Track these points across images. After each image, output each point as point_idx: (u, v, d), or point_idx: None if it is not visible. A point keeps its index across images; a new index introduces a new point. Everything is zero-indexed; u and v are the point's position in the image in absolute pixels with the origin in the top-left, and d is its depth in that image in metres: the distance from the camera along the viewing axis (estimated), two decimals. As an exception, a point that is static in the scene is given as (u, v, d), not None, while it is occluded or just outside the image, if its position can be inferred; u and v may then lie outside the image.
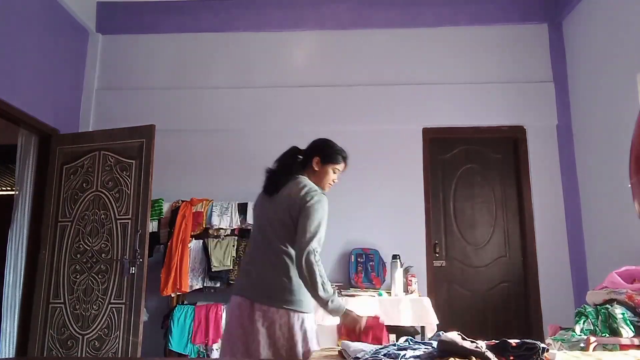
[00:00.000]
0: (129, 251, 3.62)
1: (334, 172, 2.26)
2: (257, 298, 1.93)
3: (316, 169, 2.21)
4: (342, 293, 3.63)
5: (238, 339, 1.92)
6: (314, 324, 2.01)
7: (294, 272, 1.94)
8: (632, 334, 1.95)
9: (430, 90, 4.38)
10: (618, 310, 2.04)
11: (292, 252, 1.98)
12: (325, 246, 4.39)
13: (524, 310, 4.08)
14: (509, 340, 1.34)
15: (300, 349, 1.88)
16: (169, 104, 4.47)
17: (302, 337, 1.90)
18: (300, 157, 2.29)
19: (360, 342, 1.77)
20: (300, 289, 1.93)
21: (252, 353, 1.87)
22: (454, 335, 1.36)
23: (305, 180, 2.13)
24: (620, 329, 1.98)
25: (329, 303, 1.85)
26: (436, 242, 4.24)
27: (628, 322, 2.01)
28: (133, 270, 3.56)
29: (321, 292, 1.84)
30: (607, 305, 2.10)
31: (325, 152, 2.26)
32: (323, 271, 1.90)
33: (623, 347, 1.88)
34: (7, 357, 3.59)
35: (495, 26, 4.48)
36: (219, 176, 4.34)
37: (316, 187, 2.10)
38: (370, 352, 1.52)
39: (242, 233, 4.05)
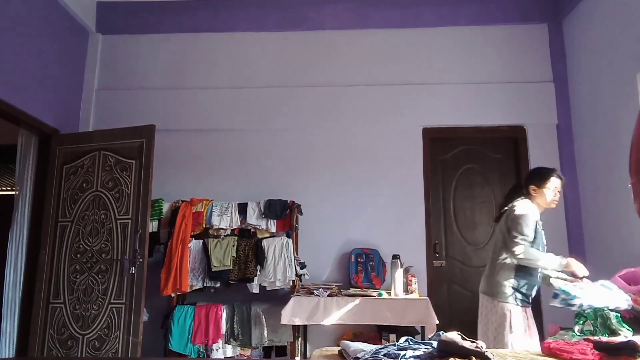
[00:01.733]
0: (129, 251, 3.62)
1: (552, 191, 2.75)
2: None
3: (534, 194, 2.76)
4: (342, 293, 3.63)
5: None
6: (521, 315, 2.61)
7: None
8: (631, 334, 1.96)
9: (430, 90, 4.38)
10: (612, 314, 2.06)
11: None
12: (325, 246, 4.44)
13: (524, 310, 4.08)
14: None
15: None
16: (169, 104, 4.47)
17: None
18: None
19: (360, 342, 1.78)
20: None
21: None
22: (454, 335, 1.37)
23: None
24: (619, 330, 1.99)
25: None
26: (436, 242, 4.24)
27: (623, 323, 2.02)
28: (133, 270, 3.56)
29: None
30: (604, 307, 2.11)
31: (536, 179, 2.79)
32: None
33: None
34: (7, 357, 3.59)
35: (495, 26, 4.48)
36: (219, 176, 4.35)
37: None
38: (370, 352, 1.52)
39: (242, 233, 4.05)
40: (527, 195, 2.75)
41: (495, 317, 2.60)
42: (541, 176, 2.75)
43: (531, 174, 2.86)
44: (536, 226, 2.65)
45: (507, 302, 2.59)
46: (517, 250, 2.55)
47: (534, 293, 2.69)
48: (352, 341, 2.07)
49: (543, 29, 4.45)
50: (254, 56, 4.57)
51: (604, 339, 1.84)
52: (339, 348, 1.91)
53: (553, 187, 2.72)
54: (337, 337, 3.87)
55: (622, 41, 3.46)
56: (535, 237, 2.64)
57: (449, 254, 4.26)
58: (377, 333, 3.76)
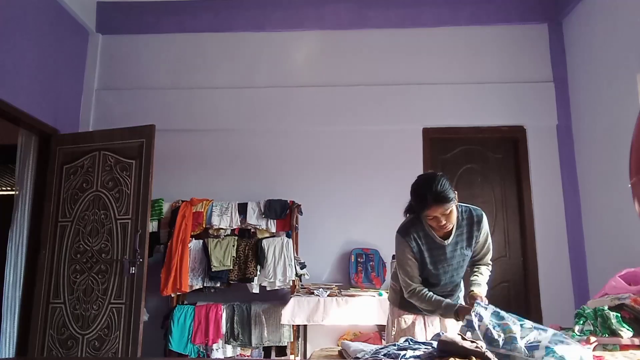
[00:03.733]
0: (129, 251, 3.62)
1: (430, 219, 2.02)
2: None
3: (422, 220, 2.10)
4: (342, 293, 3.63)
5: None
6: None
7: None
8: (631, 334, 1.96)
9: (430, 90, 4.38)
10: (612, 314, 2.05)
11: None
12: (325, 246, 4.43)
13: (524, 311, 4.08)
14: None
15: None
16: (169, 104, 4.47)
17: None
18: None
19: (360, 343, 1.77)
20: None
21: None
22: (454, 335, 1.36)
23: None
24: (619, 330, 1.98)
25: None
26: (436, 242, 4.23)
27: (623, 322, 2.02)
28: (133, 270, 3.56)
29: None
30: (604, 307, 2.10)
31: (414, 201, 2.09)
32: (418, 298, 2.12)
33: (623, 348, 1.88)
34: (7, 357, 3.59)
35: (495, 26, 4.48)
36: (219, 176, 4.35)
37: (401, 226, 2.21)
38: (370, 352, 1.52)
39: (242, 233, 4.05)
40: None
41: None
42: (417, 201, 2.05)
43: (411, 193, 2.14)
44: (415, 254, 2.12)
45: None
46: None
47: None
48: (352, 341, 2.07)
49: (543, 29, 4.45)
50: (254, 56, 4.57)
51: (585, 339, 1.84)
52: (339, 348, 1.91)
53: (427, 216, 2.02)
54: (337, 337, 3.87)
55: (622, 41, 3.46)
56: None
57: (449, 254, 4.25)
58: (377, 333, 3.76)
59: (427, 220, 2.04)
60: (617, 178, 3.36)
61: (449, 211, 1.97)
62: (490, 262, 2.26)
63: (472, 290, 2.11)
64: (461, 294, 2.36)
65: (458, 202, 2.07)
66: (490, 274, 2.24)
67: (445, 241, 2.10)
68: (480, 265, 2.25)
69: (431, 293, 2.09)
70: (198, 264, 3.88)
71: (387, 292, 3.62)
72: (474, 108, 4.33)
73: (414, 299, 2.12)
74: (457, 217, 2.08)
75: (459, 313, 1.98)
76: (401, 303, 2.29)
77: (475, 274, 2.21)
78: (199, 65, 4.58)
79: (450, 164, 4.40)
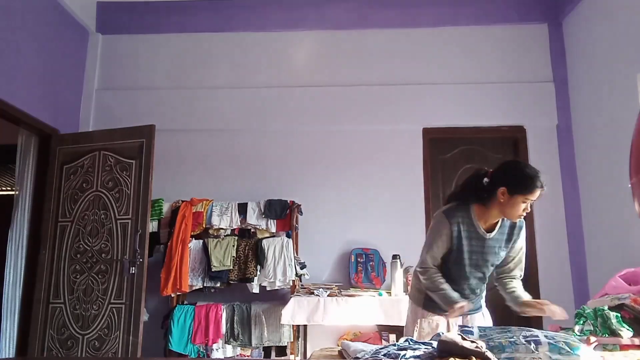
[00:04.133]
0: (129, 251, 3.62)
1: (524, 203, 2.01)
2: None
3: (501, 200, 2.04)
4: (342, 293, 3.63)
5: None
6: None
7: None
8: (631, 334, 1.96)
9: (430, 90, 4.38)
10: (612, 314, 2.05)
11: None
12: (325, 246, 4.42)
13: (524, 310, 4.08)
14: None
15: None
16: (169, 104, 4.47)
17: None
18: (487, 180, 2.13)
19: (360, 342, 1.78)
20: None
21: None
22: (454, 335, 1.36)
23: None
24: (619, 330, 1.98)
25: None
26: (436, 242, 4.22)
27: (623, 322, 2.02)
28: (133, 270, 3.56)
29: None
30: (604, 307, 2.10)
31: (513, 182, 2.03)
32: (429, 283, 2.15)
33: (623, 348, 1.88)
34: (7, 357, 3.59)
35: (495, 26, 4.48)
36: (219, 176, 4.35)
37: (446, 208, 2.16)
38: (370, 352, 1.52)
39: (242, 233, 4.05)
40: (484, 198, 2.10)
41: None
42: (524, 181, 2.00)
43: (507, 172, 2.10)
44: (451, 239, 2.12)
45: None
46: None
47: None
48: (352, 341, 2.08)
49: (543, 29, 4.45)
50: (254, 56, 4.56)
51: (584, 339, 1.83)
52: (339, 348, 1.91)
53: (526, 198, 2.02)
54: (337, 337, 3.87)
55: (622, 41, 3.46)
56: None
57: (449, 254, 4.25)
58: (377, 333, 3.76)
59: (513, 205, 2.01)
60: (617, 178, 3.36)
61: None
62: (521, 276, 2.26)
63: (522, 299, 2.11)
64: (482, 302, 2.34)
65: None
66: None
67: (488, 234, 2.13)
68: (513, 279, 2.24)
69: (444, 280, 2.13)
70: (198, 264, 3.88)
71: (389, 292, 3.64)
72: (474, 108, 4.33)
73: (424, 276, 2.15)
74: (503, 219, 2.14)
75: (450, 310, 2.02)
76: (425, 303, 2.24)
77: (514, 287, 2.20)
78: (199, 65, 4.58)
79: (450, 164, 4.40)
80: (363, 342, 3.28)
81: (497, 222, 2.14)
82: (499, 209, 2.07)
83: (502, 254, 2.19)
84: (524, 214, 2.05)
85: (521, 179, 2.01)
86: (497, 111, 4.32)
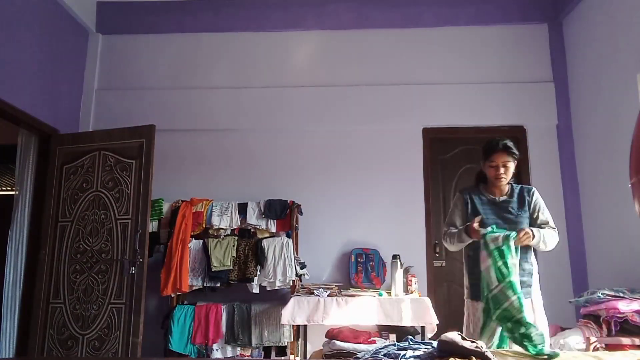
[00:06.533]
0: (129, 251, 3.62)
1: (491, 167, 2.42)
2: None
3: (484, 170, 2.51)
4: (342, 293, 3.63)
5: None
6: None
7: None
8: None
9: (430, 90, 4.38)
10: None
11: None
12: (325, 246, 4.42)
13: (524, 310, 4.08)
14: None
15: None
16: (169, 104, 4.47)
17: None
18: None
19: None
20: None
21: None
22: (454, 335, 1.36)
23: None
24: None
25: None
26: (436, 242, 4.23)
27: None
28: (133, 270, 3.56)
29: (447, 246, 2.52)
30: None
31: (482, 153, 2.50)
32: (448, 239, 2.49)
33: (624, 347, 1.88)
34: (7, 357, 3.59)
35: (495, 26, 4.48)
36: (219, 176, 4.35)
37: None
38: (370, 352, 1.52)
39: (242, 233, 4.05)
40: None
41: None
42: (484, 149, 2.50)
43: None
44: (466, 206, 2.48)
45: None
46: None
47: (485, 284, 2.23)
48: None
49: (543, 29, 4.45)
50: (254, 56, 4.56)
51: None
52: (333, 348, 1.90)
53: (491, 161, 2.43)
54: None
55: (622, 41, 3.46)
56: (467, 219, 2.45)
57: (449, 254, 4.25)
58: (377, 333, 3.76)
59: (487, 171, 2.44)
60: (617, 178, 3.36)
61: (509, 164, 2.39)
62: (555, 228, 2.46)
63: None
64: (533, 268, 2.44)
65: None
66: (552, 236, 2.40)
67: (499, 198, 2.47)
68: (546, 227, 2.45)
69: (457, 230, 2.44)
70: (198, 264, 3.88)
71: (389, 292, 3.63)
72: (474, 108, 4.33)
73: (445, 238, 2.51)
74: (512, 185, 2.49)
75: (469, 232, 2.31)
76: (472, 292, 2.45)
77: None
78: (199, 65, 4.58)
79: (450, 164, 4.40)
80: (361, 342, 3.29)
81: (507, 189, 2.49)
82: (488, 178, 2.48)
83: (522, 212, 2.43)
84: (502, 177, 2.40)
85: (483, 149, 2.49)
86: (497, 111, 4.32)
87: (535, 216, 2.45)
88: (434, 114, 4.35)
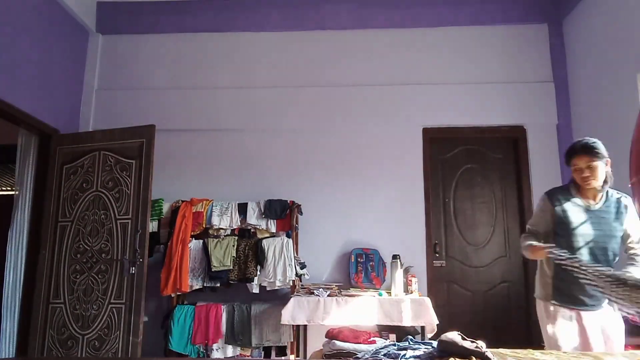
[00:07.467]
0: (129, 251, 3.62)
1: (575, 171, 2.30)
2: None
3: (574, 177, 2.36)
4: (342, 293, 3.63)
5: None
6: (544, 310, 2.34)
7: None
8: None
9: (430, 90, 4.38)
10: None
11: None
12: (325, 246, 4.42)
13: (524, 310, 4.08)
14: None
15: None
16: (168, 104, 4.47)
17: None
18: None
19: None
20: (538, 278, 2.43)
21: None
22: (454, 335, 1.36)
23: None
24: None
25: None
26: (436, 242, 4.24)
27: None
28: (133, 270, 3.56)
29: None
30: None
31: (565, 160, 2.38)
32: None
33: (624, 347, 1.88)
34: (7, 357, 3.59)
35: (495, 26, 4.48)
36: (219, 176, 4.35)
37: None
38: (370, 352, 1.52)
39: (242, 233, 4.05)
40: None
41: None
42: (567, 152, 2.35)
43: None
44: (556, 216, 2.31)
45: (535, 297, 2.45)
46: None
47: (576, 288, 2.20)
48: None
49: (543, 29, 4.45)
50: (254, 56, 4.56)
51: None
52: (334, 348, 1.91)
53: (573, 165, 2.31)
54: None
55: (622, 41, 3.46)
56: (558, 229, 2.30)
57: (449, 254, 4.26)
58: (378, 333, 3.76)
59: (574, 176, 2.28)
60: (618, 178, 3.35)
61: (594, 164, 2.21)
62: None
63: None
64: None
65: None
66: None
67: (593, 205, 2.29)
68: (633, 262, 2.27)
69: (533, 239, 2.30)
70: (198, 264, 3.88)
71: (389, 292, 3.63)
72: (473, 108, 4.33)
73: (522, 239, 2.36)
74: (607, 191, 2.30)
75: (533, 250, 2.20)
76: (554, 293, 2.28)
77: (627, 270, 2.18)
78: (199, 65, 4.58)
79: (450, 164, 4.40)
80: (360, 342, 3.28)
81: (601, 195, 2.30)
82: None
83: (617, 224, 2.26)
84: (590, 179, 2.23)
85: (566, 151, 2.33)
86: (497, 111, 4.32)
87: (625, 234, 2.29)
88: (434, 114, 4.35)
